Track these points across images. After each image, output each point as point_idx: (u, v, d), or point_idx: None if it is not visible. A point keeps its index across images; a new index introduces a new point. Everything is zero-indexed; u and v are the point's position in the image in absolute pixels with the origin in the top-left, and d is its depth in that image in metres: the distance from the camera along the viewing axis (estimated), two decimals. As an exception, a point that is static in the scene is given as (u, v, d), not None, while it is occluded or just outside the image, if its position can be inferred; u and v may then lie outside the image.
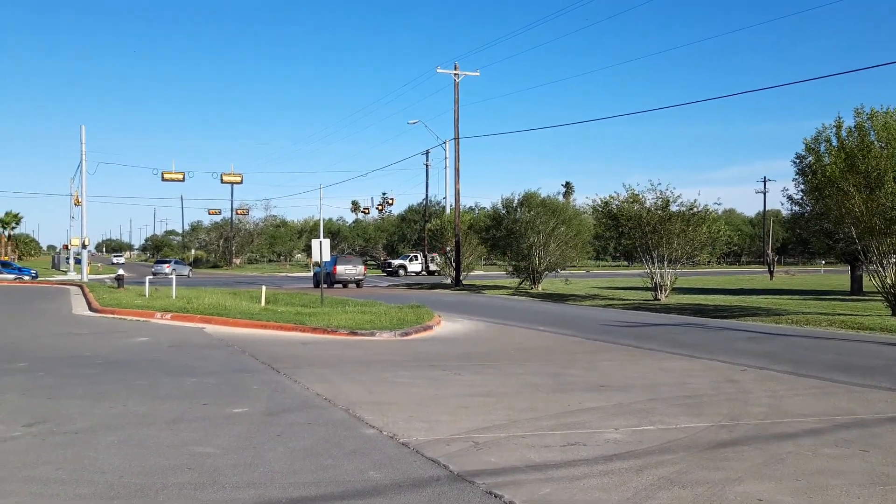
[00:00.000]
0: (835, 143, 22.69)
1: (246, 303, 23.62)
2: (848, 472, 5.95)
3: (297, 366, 11.84)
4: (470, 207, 60.93)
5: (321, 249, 22.77)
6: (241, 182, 60.51)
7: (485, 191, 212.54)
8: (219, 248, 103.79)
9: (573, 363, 12.50)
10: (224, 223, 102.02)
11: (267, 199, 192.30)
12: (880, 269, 21.14)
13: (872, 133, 21.65)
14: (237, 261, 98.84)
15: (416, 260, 67.56)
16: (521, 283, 40.53)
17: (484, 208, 53.13)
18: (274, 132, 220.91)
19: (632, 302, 28.79)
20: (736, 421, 7.88)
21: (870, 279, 23.35)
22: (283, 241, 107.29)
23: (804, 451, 6.61)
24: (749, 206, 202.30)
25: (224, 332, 17.22)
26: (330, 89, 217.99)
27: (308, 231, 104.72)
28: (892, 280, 20.85)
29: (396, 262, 68.48)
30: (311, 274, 53.90)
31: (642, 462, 6.23)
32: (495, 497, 5.31)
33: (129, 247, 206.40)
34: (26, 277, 52.54)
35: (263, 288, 26.45)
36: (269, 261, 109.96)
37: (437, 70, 44.61)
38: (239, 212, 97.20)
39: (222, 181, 58.47)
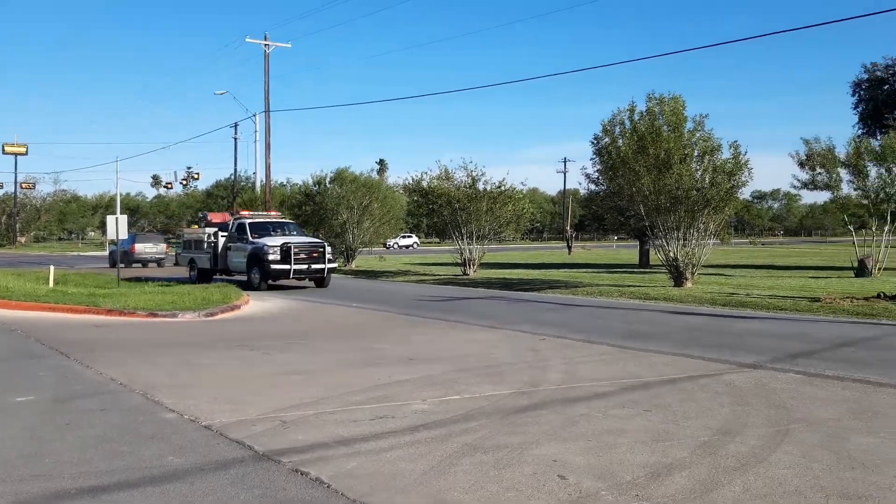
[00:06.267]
0: (628, 125, 24.32)
1: (32, 284, 21.68)
2: (633, 431, 6.43)
3: (90, 350, 11.06)
4: (281, 183, 59.37)
5: (117, 226, 21.31)
6: (25, 153, 55.43)
7: (298, 167, 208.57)
8: (0, 226, 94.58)
9: (385, 338, 12.60)
10: (7, 198, 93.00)
11: (56, 172, 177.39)
12: (665, 243, 23.01)
13: (661, 117, 23.45)
14: (22, 239, 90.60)
15: None
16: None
17: (296, 184, 52.04)
18: (65, 101, 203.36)
19: (442, 277, 29.48)
20: (535, 387, 8.29)
21: (656, 253, 25.38)
22: (74, 217, 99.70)
23: (595, 414, 7.08)
24: (551, 185, 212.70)
25: (6, 315, 15.72)
26: (128, 56, 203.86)
27: (103, 207, 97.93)
28: (674, 254, 22.78)
29: None
30: (107, 253, 50.34)
31: (448, 431, 6.40)
32: (301, 474, 5.23)
33: None
34: None
35: (52, 268, 24.43)
36: (60, 239, 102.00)
37: (247, 39, 43.07)
38: (24, 185, 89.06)
39: (4, 152, 53.19)
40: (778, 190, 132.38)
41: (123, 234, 21.65)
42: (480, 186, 31.06)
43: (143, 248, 41.96)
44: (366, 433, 6.32)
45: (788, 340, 12.06)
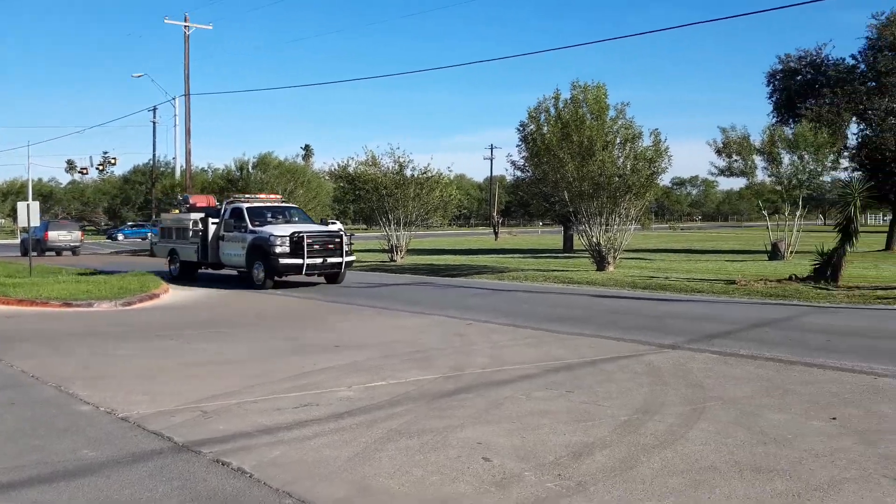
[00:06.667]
0: (553, 113, 24.60)
1: (-65, 274, 20.62)
2: (555, 412, 6.53)
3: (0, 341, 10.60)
4: (203, 169, 57.94)
5: (29, 213, 20.43)
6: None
7: (220, 152, 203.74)
8: None
9: (311, 326, 12.48)
10: None
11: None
12: (588, 229, 23.45)
13: (585, 105, 23.81)
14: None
15: None
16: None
17: (218, 169, 50.89)
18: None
19: (370, 263, 29.31)
20: (461, 371, 8.34)
21: (579, 238, 25.84)
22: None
23: (519, 396, 7.16)
24: (479, 172, 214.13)
25: None
26: (41, 37, 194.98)
27: (14, 193, 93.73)
28: (597, 239, 23.24)
29: None
30: (19, 241, 48.22)
31: (373, 417, 6.37)
32: (222, 464, 5.13)
33: None
34: None
35: (-42, 257, 23.29)
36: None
37: (166, 20, 41.66)
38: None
39: None
40: (696, 176, 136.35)
41: (36, 222, 20.77)
42: (408, 173, 31.02)
43: (57, 236, 40.40)
44: (289, 421, 6.24)
45: (705, 321, 12.46)
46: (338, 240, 19.67)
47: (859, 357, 9.00)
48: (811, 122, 31.37)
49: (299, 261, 18.73)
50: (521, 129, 33.94)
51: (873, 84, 35.28)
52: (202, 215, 21.83)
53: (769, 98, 39.19)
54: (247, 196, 22.64)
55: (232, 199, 22.27)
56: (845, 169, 35.78)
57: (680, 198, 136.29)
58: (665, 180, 33.48)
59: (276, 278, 19.34)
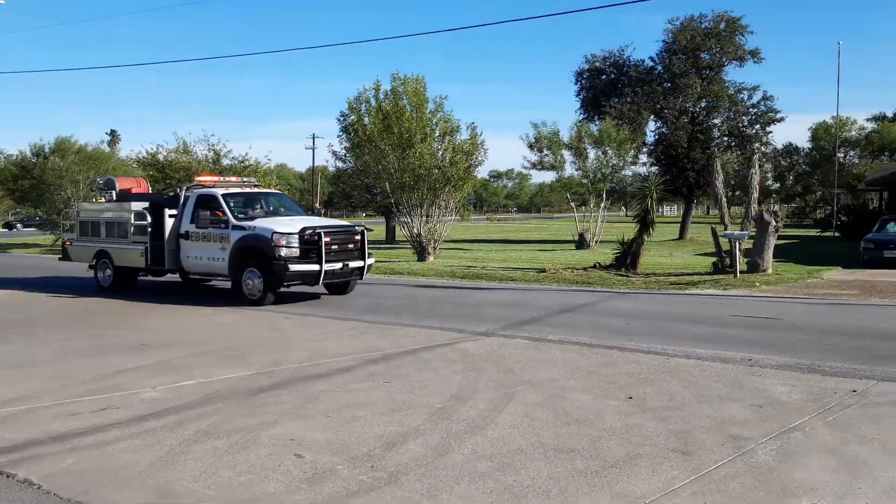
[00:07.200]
0: (374, 104, 24.66)
1: None
2: (372, 403, 6.54)
3: None
4: (-8, 155, 52.98)
5: None
6: None
7: (15, 138, 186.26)
8: None
9: (118, 324, 11.73)
10: None
11: None
12: (409, 220, 23.74)
13: (405, 97, 24.06)
14: None
15: None
16: (57, 240, 36.66)
17: (11, 156, 46.58)
18: None
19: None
20: (277, 367, 8.16)
21: (401, 229, 26.11)
22: None
23: (336, 389, 7.11)
24: (300, 162, 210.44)
25: None
26: None
27: None
28: (418, 230, 23.57)
29: None
30: None
31: (180, 418, 6.08)
32: (7, 476, 4.71)
33: None
34: None
35: None
36: None
37: (-57, -11, 37.43)
38: None
39: None
40: (512, 170, 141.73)
41: None
42: (225, 162, 29.92)
43: None
44: (87, 427, 5.82)
45: (518, 308, 12.98)
46: (358, 237, 15.12)
47: (654, 339, 9.72)
48: (614, 120, 33.55)
49: (315, 267, 13.96)
50: (342, 119, 33.85)
51: (669, 85, 38.24)
52: (146, 204, 16.16)
53: (577, 95, 41.44)
54: (215, 180, 17.04)
55: (196, 183, 16.55)
56: (644, 164, 38.63)
57: (497, 190, 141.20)
58: (482, 173, 34.68)
59: (278, 290, 14.62)
